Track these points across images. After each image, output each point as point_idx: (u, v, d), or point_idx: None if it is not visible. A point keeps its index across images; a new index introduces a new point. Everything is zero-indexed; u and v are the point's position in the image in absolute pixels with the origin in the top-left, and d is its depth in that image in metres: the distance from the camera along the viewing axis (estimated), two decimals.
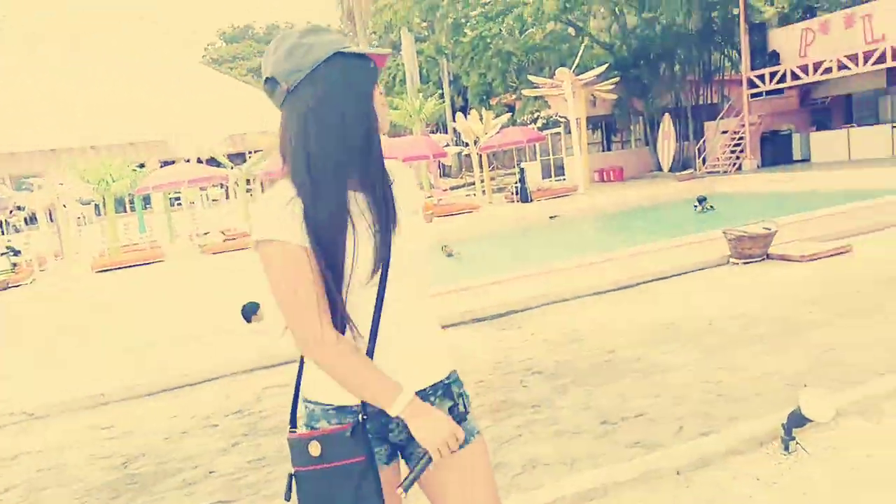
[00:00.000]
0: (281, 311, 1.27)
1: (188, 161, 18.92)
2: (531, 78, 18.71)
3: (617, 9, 21.83)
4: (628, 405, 3.69)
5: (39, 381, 5.56)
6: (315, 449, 1.33)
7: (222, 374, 5.23)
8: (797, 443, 2.83)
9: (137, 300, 10.23)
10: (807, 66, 17.52)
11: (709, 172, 19.55)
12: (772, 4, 24.23)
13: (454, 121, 22.03)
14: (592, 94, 19.86)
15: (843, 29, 16.88)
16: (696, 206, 13.11)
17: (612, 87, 19.55)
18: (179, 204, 25.44)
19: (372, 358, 1.32)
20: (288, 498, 1.38)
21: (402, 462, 1.45)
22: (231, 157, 21.22)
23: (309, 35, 1.29)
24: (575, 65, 18.74)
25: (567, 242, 11.82)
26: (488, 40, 20.58)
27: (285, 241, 1.24)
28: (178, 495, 3.30)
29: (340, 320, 1.31)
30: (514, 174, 23.77)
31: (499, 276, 7.26)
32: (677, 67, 21.82)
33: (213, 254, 14.77)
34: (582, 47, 19.80)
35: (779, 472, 2.70)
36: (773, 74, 18.45)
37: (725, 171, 19.17)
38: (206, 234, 16.33)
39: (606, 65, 19.41)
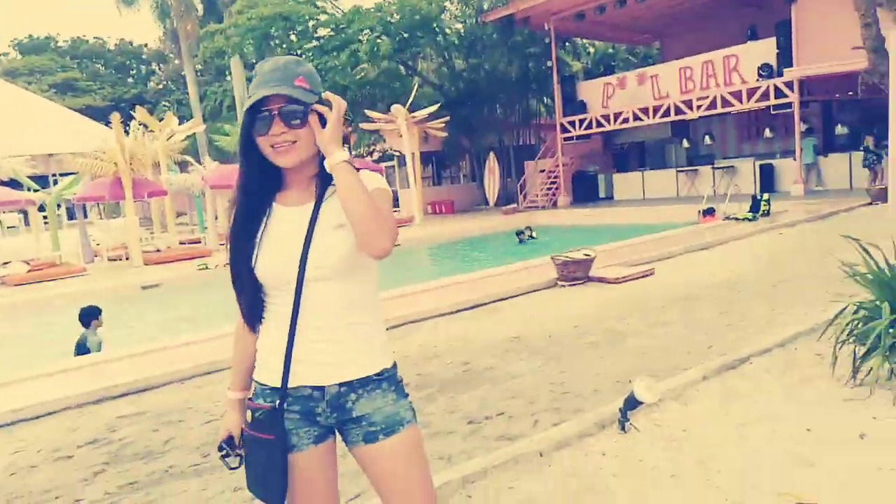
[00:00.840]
0: (385, 222, 1.50)
1: None
2: (368, 112, 19.27)
3: (446, 53, 23.26)
4: (489, 407, 4.13)
5: None
6: (249, 416, 1.66)
7: (64, 406, 4.88)
8: (631, 423, 3.43)
9: None
10: (609, 115, 19.99)
11: (529, 207, 21.36)
12: (578, 60, 27.29)
13: None
14: (425, 131, 20.88)
15: (636, 85, 19.55)
16: (518, 237, 14.33)
17: (443, 125, 20.73)
18: None
19: None
20: (239, 445, 1.73)
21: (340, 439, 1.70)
22: (34, 179, 19.17)
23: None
24: (409, 102, 19.62)
25: (409, 269, 12.31)
26: (323, 73, 20.82)
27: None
28: None
29: None
30: None
31: None
32: (500, 110, 23.69)
33: (16, 286, 13.24)
34: (416, 86, 20.80)
35: (619, 447, 3.26)
36: (581, 121, 20.77)
37: (543, 206, 21.08)
38: (5, 264, 14.54)
39: (438, 104, 20.57)
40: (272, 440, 1.60)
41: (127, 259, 15.67)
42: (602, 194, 21.93)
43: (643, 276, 7.87)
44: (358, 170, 1.56)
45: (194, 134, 23.45)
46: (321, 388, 1.60)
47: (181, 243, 17.64)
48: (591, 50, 28.32)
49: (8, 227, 23.62)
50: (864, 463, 2.82)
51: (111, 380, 5.26)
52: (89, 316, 6.62)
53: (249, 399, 1.68)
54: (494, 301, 7.31)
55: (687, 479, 2.88)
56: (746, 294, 6.63)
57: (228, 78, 37.45)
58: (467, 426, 3.84)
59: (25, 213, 22.97)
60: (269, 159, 1.56)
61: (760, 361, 4.26)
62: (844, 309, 3.82)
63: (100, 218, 24.33)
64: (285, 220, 1.59)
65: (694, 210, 13.94)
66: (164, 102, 38.87)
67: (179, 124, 18.48)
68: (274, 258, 1.57)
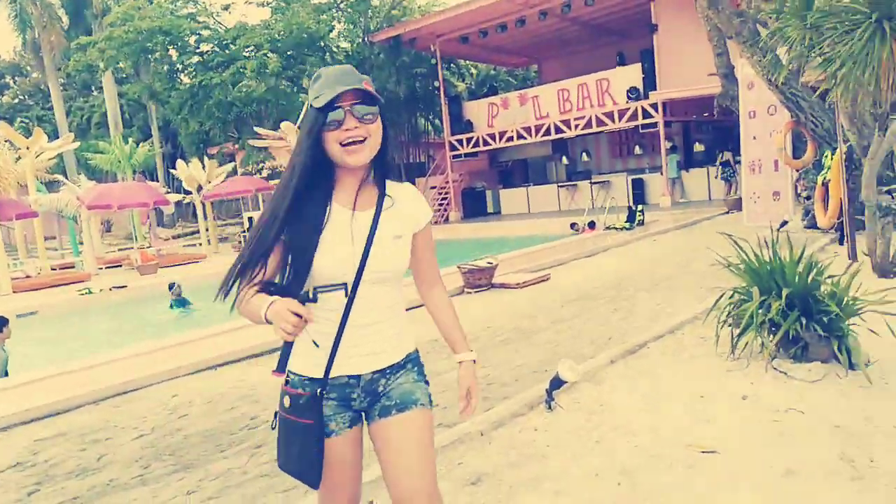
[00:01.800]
0: (437, 268, 1.93)
1: None
2: (257, 129, 19.00)
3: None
4: None
5: None
6: (286, 401, 1.74)
7: None
8: (556, 402, 3.85)
9: None
10: (494, 134, 20.98)
11: None
12: (463, 80, 28.35)
13: (173, 168, 21.04)
14: None
15: (519, 105, 20.69)
16: None
17: None
18: None
19: None
20: (273, 427, 1.80)
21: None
22: None
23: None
24: (299, 120, 19.53)
25: None
26: (208, 89, 20.32)
27: None
28: None
29: None
30: (238, 223, 23.45)
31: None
32: (389, 129, 24.06)
33: None
34: (306, 104, 20.68)
35: (548, 423, 3.66)
36: (469, 139, 21.62)
37: (436, 222, 21.66)
38: None
39: None
40: (311, 425, 1.69)
41: None
42: (490, 209, 22.87)
43: (541, 281, 8.48)
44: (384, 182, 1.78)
45: (63, 152, 21.96)
46: (357, 377, 1.73)
47: (53, 269, 16.45)
48: (474, 71, 29.52)
49: None
50: (748, 417, 3.40)
51: (17, 405, 5.02)
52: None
53: (286, 384, 1.75)
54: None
55: (609, 442, 3.32)
56: (632, 292, 7.38)
57: (96, 93, 35.33)
58: None
59: None
60: (335, 159, 1.65)
61: (655, 346, 4.87)
62: (722, 295, 4.48)
63: None
64: (345, 221, 1.69)
65: (572, 221, 15.04)
66: (21, 118, 35.87)
67: (49, 141, 17.29)
68: (334, 257, 1.65)
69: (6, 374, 6.44)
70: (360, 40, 23.14)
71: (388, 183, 1.78)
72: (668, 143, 18.04)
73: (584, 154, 21.77)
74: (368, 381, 1.75)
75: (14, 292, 13.75)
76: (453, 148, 22.00)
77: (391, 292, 1.77)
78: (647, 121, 17.63)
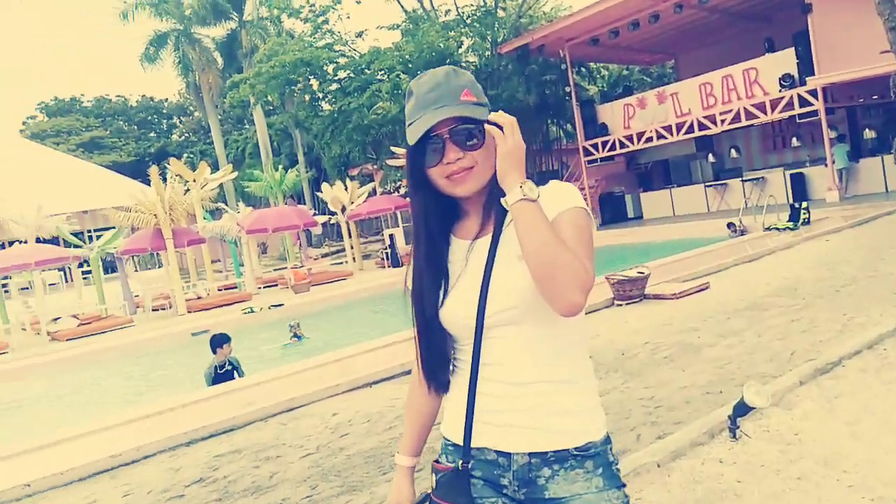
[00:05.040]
0: (588, 255, 1.26)
1: (24, 242, 17.23)
2: (394, 149, 19.59)
3: None
4: None
5: None
6: (433, 480, 1.42)
7: (158, 450, 4.99)
8: (741, 430, 3.46)
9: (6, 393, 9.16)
10: (631, 135, 20.14)
11: None
12: (594, 83, 27.63)
13: (319, 191, 22.26)
14: None
15: (657, 104, 19.72)
16: None
17: None
18: (7, 291, 22.76)
19: None
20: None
21: None
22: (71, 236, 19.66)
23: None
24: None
25: None
26: (346, 114, 21.30)
27: None
28: None
29: None
30: (380, 241, 24.31)
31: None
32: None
33: (67, 340, 13.50)
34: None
35: (735, 454, 3.28)
36: (604, 143, 20.93)
37: None
38: (56, 319, 14.86)
39: None
40: None
41: (170, 308, 15.93)
42: (631, 214, 21.96)
43: (699, 291, 7.88)
44: (541, 183, 1.34)
45: (222, 182, 24.01)
46: (507, 455, 1.33)
47: (219, 290, 17.91)
48: (605, 73, 28.66)
49: (49, 284, 24.12)
50: None
51: (198, 420, 5.37)
52: (218, 343, 6.95)
53: (436, 460, 1.45)
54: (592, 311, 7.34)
55: (815, 479, 2.90)
56: (810, 300, 6.62)
57: (248, 126, 38.42)
58: None
59: (65, 270, 23.46)
60: (443, 191, 1.35)
61: (853, 363, 4.27)
62: None
63: (135, 270, 24.78)
64: (463, 254, 1.37)
65: (725, 223, 13.96)
66: (187, 154, 39.80)
67: (211, 173, 18.92)
68: (455, 300, 1.35)
69: (242, 374, 7.10)
70: (489, 53, 23.23)
71: None
72: (833, 131, 16.32)
73: (732, 150, 20.30)
74: (523, 467, 1.33)
75: (188, 312, 15.09)
76: (588, 153, 21.39)
77: (540, 339, 1.32)
78: (805, 109, 16.06)
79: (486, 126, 1.29)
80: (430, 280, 1.38)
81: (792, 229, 11.93)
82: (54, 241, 18.38)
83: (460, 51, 23.17)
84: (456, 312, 1.34)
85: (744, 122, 17.63)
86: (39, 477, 4.52)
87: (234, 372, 7.03)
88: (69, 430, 5.78)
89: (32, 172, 23.55)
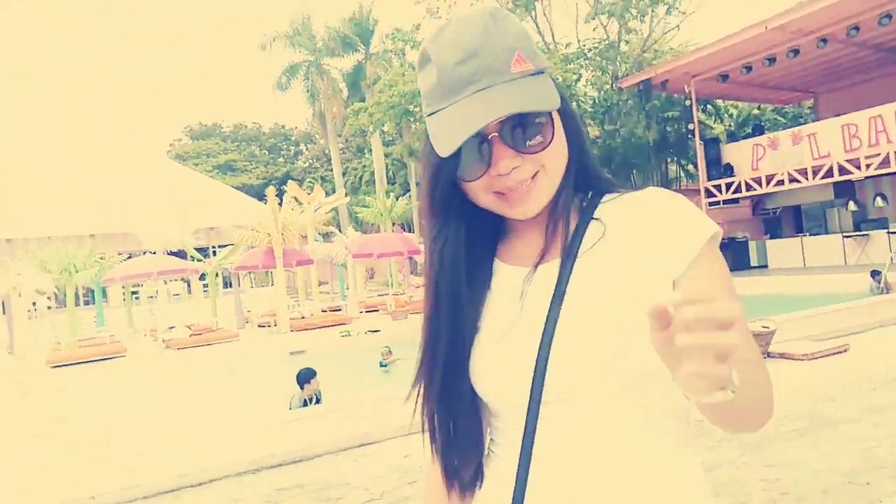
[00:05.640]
0: (745, 329, 0.80)
1: (153, 253, 18.46)
2: None
3: (582, 119, 23.13)
4: None
5: (18, 488, 4.99)
6: None
7: (224, 474, 4.81)
8: None
9: (106, 396, 9.57)
10: (760, 178, 18.64)
11: None
12: (721, 122, 26.16)
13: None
14: None
15: (791, 145, 18.16)
16: None
17: None
18: (137, 298, 24.56)
19: None
20: None
21: None
22: (196, 250, 20.87)
23: None
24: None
25: None
26: None
27: None
28: None
29: None
30: None
31: None
32: (637, 177, 22.95)
33: (179, 349, 14.11)
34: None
35: None
36: (728, 185, 19.52)
37: None
38: (171, 328, 15.66)
39: None
40: None
41: (275, 325, 16.35)
42: (754, 262, 20.25)
43: (837, 353, 6.84)
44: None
45: (337, 206, 24.76)
46: None
47: (323, 311, 18.23)
48: (734, 111, 27.05)
49: (173, 295, 25.79)
50: None
51: (267, 449, 5.16)
52: (305, 379, 6.92)
53: None
54: None
55: None
56: None
57: (367, 154, 39.76)
58: None
59: (189, 282, 24.99)
60: (491, 209, 0.90)
61: None
62: None
63: (251, 286, 25.97)
64: (518, 286, 0.91)
65: (866, 279, 12.35)
66: (309, 179, 41.74)
67: (326, 197, 19.49)
68: (501, 360, 0.89)
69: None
70: (609, 87, 22.58)
71: (603, 202, 0.94)
72: None
73: (877, 198, 18.26)
74: None
75: (291, 331, 15.40)
76: (710, 195, 20.03)
77: (629, 417, 0.86)
78: None
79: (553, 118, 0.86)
80: (453, 330, 0.92)
81: None
82: (181, 254, 19.57)
83: (578, 84, 22.69)
84: (504, 378, 0.89)
85: (893, 168, 15.79)
86: (104, 491, 4.43)
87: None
88: (144, 442, 5.77)
89: (169, 190, 25.43)
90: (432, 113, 0.86)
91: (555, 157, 0.87)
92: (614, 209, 0.92)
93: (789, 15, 15.67)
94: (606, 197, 0.95)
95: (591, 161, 0.98)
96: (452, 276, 0.93)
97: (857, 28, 15.62)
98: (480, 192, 0.88)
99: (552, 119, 0.86)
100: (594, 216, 0.91)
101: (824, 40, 16.32)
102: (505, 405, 0.91)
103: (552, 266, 0.89)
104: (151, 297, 21.82)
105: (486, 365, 0.90)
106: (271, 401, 8.11)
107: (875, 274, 11.68)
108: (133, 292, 24.58)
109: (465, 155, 0.84)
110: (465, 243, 0.93)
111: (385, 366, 9.92)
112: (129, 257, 21.97)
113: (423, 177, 0.94)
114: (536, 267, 0.91)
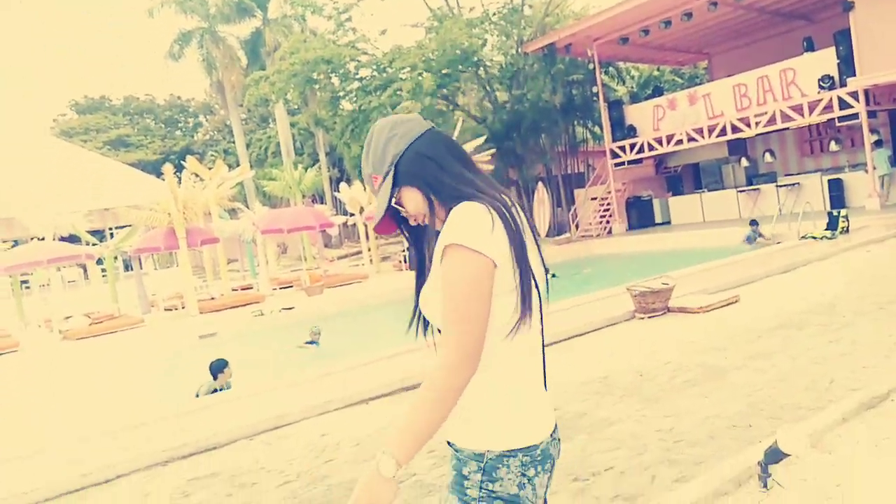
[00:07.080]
0: (452, 322, 1.24)
1: (42, 239, 17.20)
2: None
3: (487, 86, 23.21)
4: (592, 460, 3.68)
5: None
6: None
7: (132, 469, 4.62)
8: (773, 479, 2.95)
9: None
10: (661, 138, 19.45)
11: (583, 236, 20.81)
12: (623, 84, 26.95)
13: (336, 191, 22.00)
14: None
15: (688, 106, 19.00)
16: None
17: (489, 158, 20.51)
18: (28, 287, 22.90)
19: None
20: None
21: None
22: (91, 234, 19.63)
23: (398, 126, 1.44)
24: (454, 137, 19.49)
25: None
26: (367, 112, 20.97)
27: (489, 258, 1.25)
28: None
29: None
30: (397, 243, 23.94)
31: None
32: (546, 140, 23.38)
33: (78, 339, 13.34)
34: (460, 121, 20.71)
35: None
36: (632, 146, 20.25)
37: (598, 235, 20.51)
38: (68, 318, 14.74)
39: (483, 138, 20.38)
40: None
41: (183, 308, 15.73)
42: (658, 219, 21.22)
43: (728, 304, 7.31)
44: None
45: (242, 181, 23.88)
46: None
47: (234, 290, 17.68)
48: (636, 73, 27.92)
49: (69, 282, 24.23)
50: None
51: (178, 438, 5.00)
52: (218, 369, 6.64)
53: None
54: (569, 338, 6.85)
55: None
56: (851, 317, 6.03)
57: (272, 124, 38.40)
58: (573, 484, 3.40)
59: (85, 268, 23.55)
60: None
61: None
62: None
63: (154, 269, 24.77)
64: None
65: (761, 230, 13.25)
66: (211, 152, 39.95)
67: (229, 172, 18.72)
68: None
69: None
70: (514, 51, 22.71)
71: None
72: (874, 135, 15.48)
73: (766, 154, 19.49)
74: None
75: (200, 313, 14.86)
76: (615, 155, 20.74)
77: None
78: (846, 112, 15.24)
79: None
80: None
81: (829, 238, 11.23)
82: (74, 238, 18.34)
83: (484, 49, 22.69)
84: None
85: (779, 125, 16.85)
86: (1, 497, 4.17)
87: None
88: (40, 443, 5.45)
89: (55, 170, 23.66)
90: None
91: (412, 208, 1.43)
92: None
93: None
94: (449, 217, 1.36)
95: (447, 181, 1.39)
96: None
97: None
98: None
99: (401, 218, 1.48)
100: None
101: (715, 3, 17.02)
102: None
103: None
104: (44, 285, 20.40)
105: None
106: (181, 388, 7.84)
107: (753, 223, 12.49)
108: (23, 281, 22.90)
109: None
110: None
111: (315, 343, 9.73)
112: (15, 244, 20.46)
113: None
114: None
